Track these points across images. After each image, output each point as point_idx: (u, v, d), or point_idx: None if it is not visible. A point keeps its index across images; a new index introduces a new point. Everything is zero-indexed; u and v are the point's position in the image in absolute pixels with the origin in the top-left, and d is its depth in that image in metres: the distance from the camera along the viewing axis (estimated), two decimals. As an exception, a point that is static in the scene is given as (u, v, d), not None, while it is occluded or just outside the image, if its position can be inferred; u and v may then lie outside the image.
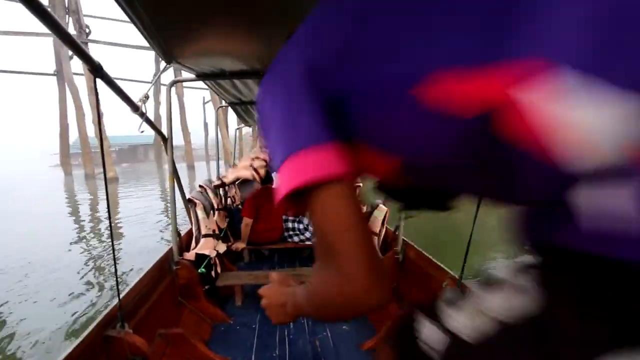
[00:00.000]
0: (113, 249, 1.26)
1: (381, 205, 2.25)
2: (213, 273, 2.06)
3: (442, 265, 1.68)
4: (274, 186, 2.68)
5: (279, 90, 0.35)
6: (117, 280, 1.21)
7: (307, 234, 2.70)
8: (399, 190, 0.49)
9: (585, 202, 0.25)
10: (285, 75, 0.35)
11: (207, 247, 2.05)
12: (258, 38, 1.24)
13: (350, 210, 0.31)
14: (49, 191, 13.71)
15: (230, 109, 3.26)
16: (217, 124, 4.11)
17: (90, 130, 17.67)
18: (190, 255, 1.96)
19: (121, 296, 1.29)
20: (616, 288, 0.24)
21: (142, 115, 1.47)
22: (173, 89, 1.88)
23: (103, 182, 1.06)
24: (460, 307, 0.33)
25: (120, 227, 6.26)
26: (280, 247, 2.71)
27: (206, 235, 2.09)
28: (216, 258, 2.13)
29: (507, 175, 0.29)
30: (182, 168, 26.42)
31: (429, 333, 0.33)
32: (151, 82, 1.93)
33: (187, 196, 2.13)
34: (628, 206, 0.22)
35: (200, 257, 1.97)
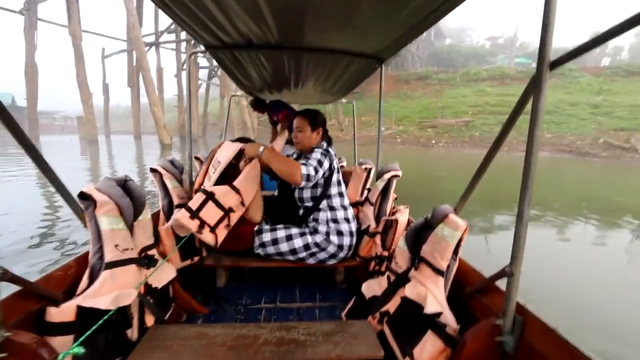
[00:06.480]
0: None
1: (452, 216, 1.11)
2: (132, 332, 1.12)
3: None
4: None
5: None
6: None
7: (323, 254, 1.70)
8: None
9: None
10: None
11: (116, 286, 1.07)
12: None
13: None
14: None
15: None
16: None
17: None
18: (65, 314, 0.96)
19: None
20: None
21: None
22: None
23: None
24: None
25: None
26: (270, 266, 1.73)
27: (115, 264, 1.09)
28: (141, 302, 1.18)
29: None
30: (74, 141, 20.06)
31: None
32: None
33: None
34: None
35: (91, 315, 0.97)
